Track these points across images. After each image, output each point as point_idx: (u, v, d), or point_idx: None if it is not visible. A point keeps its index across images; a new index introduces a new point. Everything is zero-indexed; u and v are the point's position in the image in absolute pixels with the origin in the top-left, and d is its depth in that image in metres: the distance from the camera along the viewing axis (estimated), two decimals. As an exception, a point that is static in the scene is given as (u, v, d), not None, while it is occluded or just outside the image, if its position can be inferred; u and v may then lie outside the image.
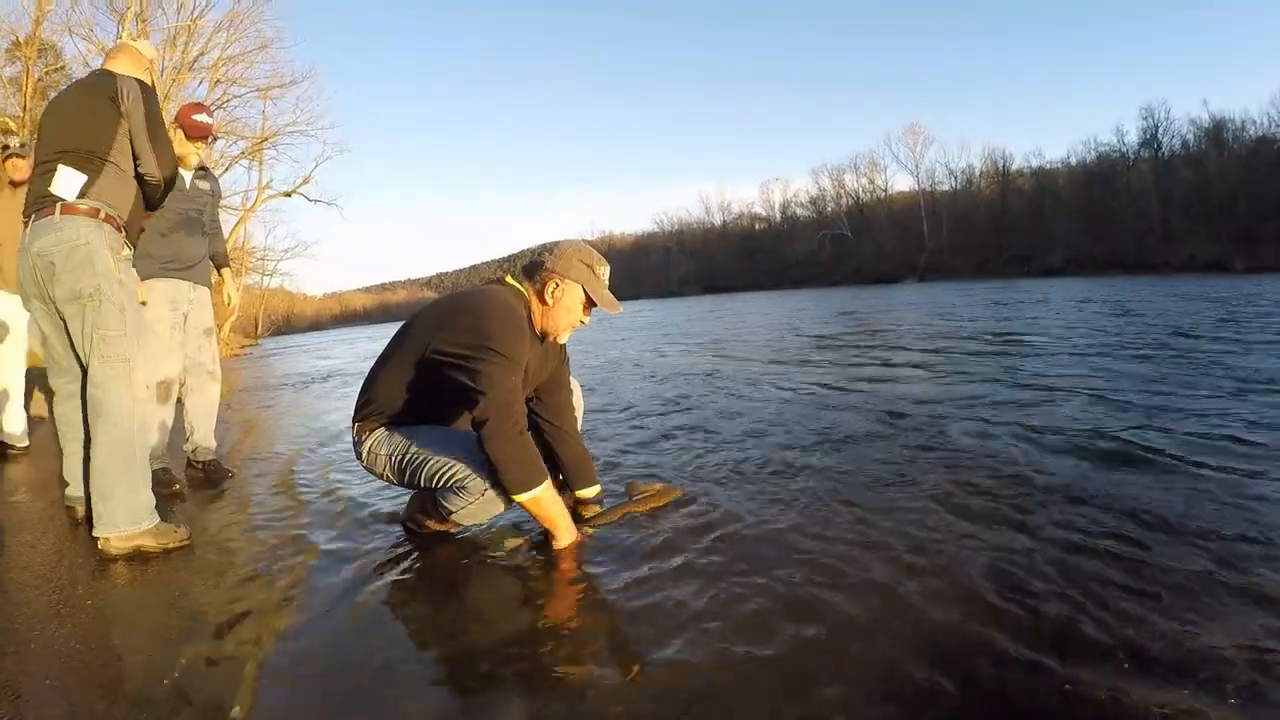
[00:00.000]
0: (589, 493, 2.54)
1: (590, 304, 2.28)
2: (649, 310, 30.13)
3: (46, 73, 19.09)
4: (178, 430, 3.55)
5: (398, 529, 2.54)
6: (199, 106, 3.56)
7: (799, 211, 79.56)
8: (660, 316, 23.08)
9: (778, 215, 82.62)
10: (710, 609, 1.79)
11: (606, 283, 2.32)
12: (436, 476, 2.19)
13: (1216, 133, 48.39)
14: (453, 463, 2.16)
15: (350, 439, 2.53)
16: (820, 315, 17.13)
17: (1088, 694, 1.37)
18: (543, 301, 2.26)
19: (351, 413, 2.48)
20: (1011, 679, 1.43)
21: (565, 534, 2.18)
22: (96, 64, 18.89)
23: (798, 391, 5.33)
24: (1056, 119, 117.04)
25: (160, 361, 3.16)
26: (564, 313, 2.27)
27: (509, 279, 2.35)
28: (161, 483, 3.11)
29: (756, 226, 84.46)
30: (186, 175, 3.49)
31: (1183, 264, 40.60)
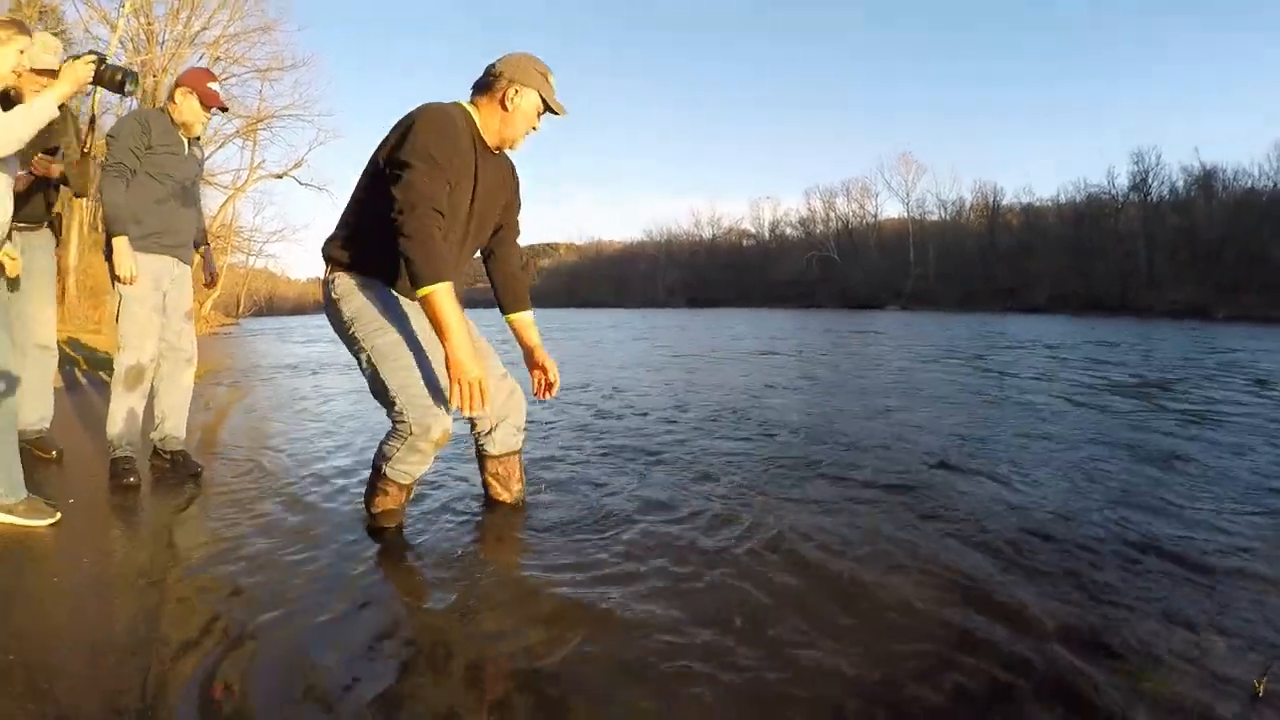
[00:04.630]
0: (521, 316, 2.68)
1: (545, 110, 2.36)
2: (638, 320, 29.53)
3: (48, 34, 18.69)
4: (146, 418, 3.35)
5: (355, 546, 2.32)
6: (211, 74, 3.38)
7: (788, 231, 79.56)
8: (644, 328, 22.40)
9: (767, 233, 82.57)
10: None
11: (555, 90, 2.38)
12: (387, 389, 2.22)
13: (1207, 181, 48.63)
14: (404, 380, 2.21)
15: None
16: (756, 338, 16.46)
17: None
18: (504, 107, 2.30)
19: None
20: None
21: (457, 347, 2.05)
22: (96, 30, 16.60)
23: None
24: (1048, 157, 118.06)
25: (134, 344, 3.13)
26: (522, 119, 2.32)
27: (459, 101, 2.36)
28: (119, 473, 3.07)
29: (745, 243, 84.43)
30: (185, 142, 3.31)
31: (1166, 308, 40.61)
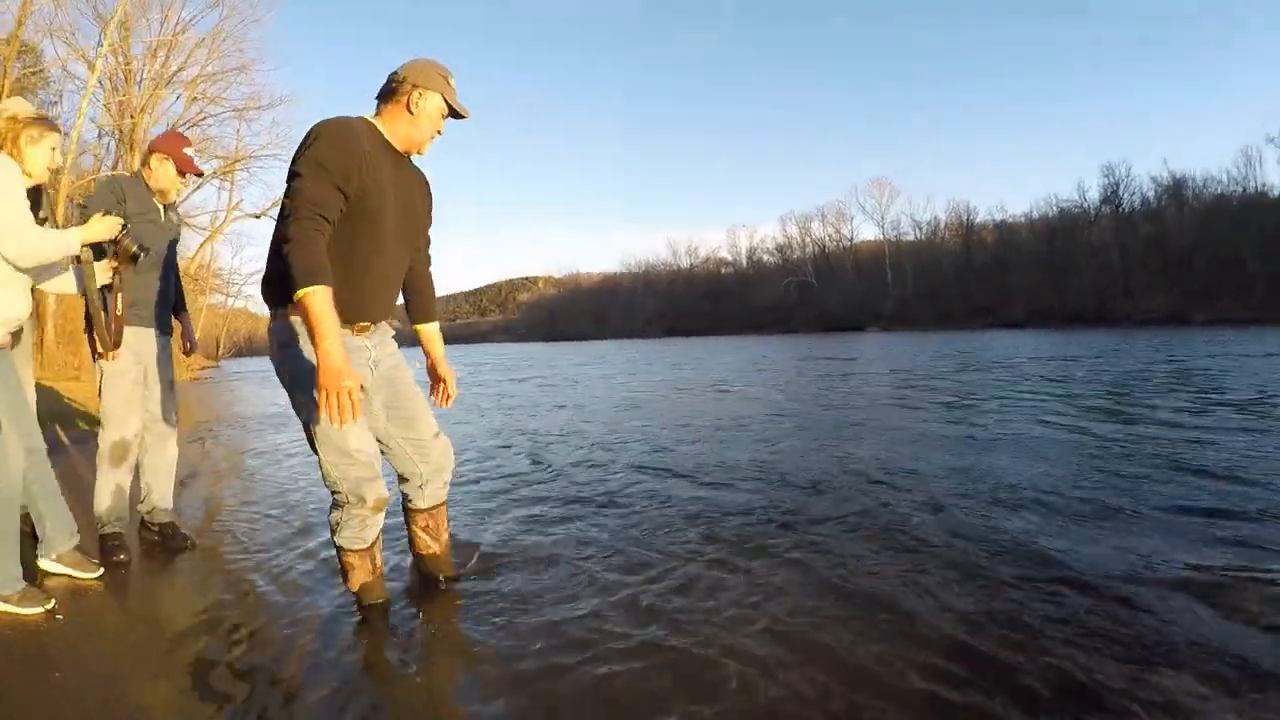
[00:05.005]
0: (428, 327, 2.70)
1: (449, 113, 2.38)
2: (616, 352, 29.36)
3: (25, 74, 18.45)
4: (132, 489, 3.29)
5: (340, 626, 2.32)
6: (185, 139, 3.37)
7: (765, 258, 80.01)
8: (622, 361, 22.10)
9: (744, 261, 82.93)
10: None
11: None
12: (320, 461, 2.20)
13: (1177, 190, 49.27)
14: (338, 450, 2.17)
15: None
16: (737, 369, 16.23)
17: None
18: (409, 111, 2.31)
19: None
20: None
21: (329, 353, 1.94)
22: (75, 69, 15.81)
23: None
24: (1019, 174, 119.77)
25: (118, 419, 3.12)
26: (427, 121, 2.34)
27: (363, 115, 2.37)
28: (108, 550, 3.05)
29: (723, 271, 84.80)
30: (161, 208, 3.29)
31: (1142, 317, 40.66)
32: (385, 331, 2.42)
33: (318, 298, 1.97)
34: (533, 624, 2.25)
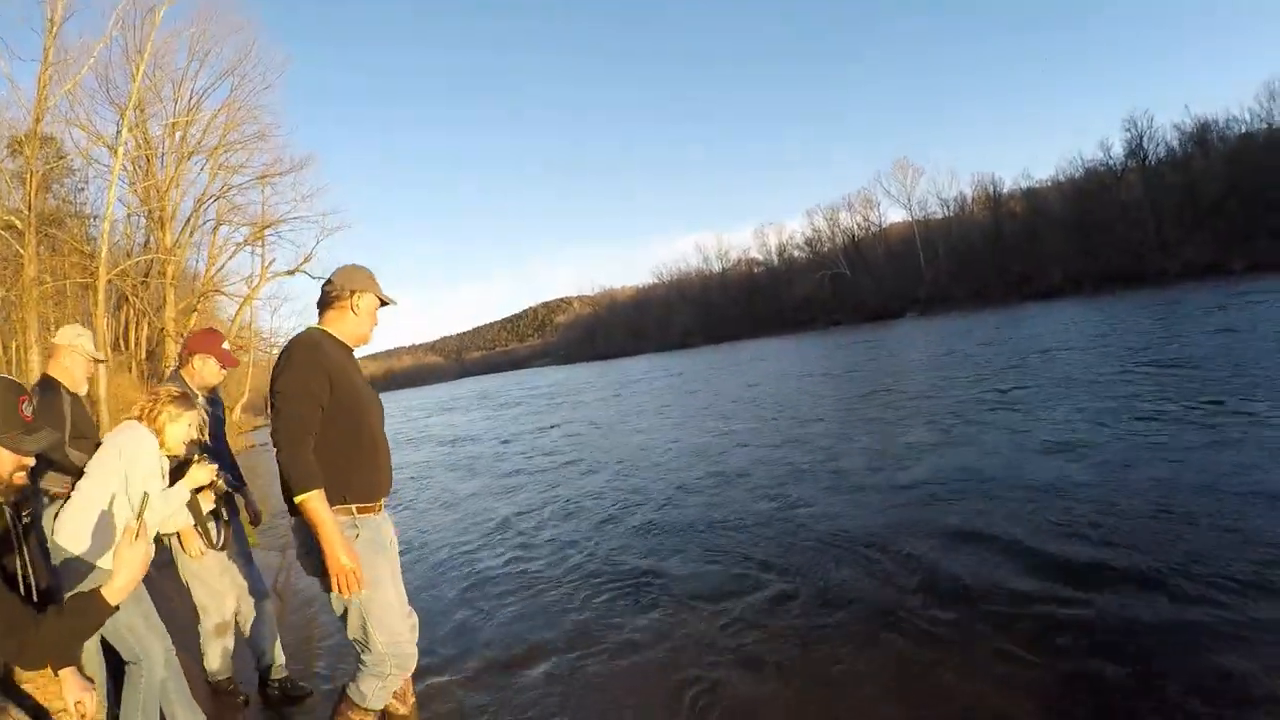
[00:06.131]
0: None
1: (381, 304, 2.75)
2: (650, 368, 29.76)
3: (49, 167, 19.13)
4: (241, 649, 3.64)
5: None
6: (220, 334, 3.66)
7: (796, 253, 79.77)
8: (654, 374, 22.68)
9: (775, 258, 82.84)
10: None
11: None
12: (369, 636, 2.43)
13: (1201, 135, 48.09)
14: (390, 626, 2.45)
15: None
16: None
17: None
18: (353, 313, 2.66)
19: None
20: None
21: (334, 544, 2.28)
22: (97, 154, 17.99)
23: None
24: (1042, 138, 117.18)
25: (214, 607, 3.39)
26: (367, 317, 2.70)
27: (310, 325, 2.70)
28: (227, 692, 3.45)
29: (755, 271, 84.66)
30: (201, 398, 3.37)
31: (1180, 271, 39.99)
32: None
33: (316, 500, 2.29)
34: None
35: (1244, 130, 46.05)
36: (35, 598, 1.89)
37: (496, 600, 4.52)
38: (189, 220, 25.47)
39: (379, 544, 2.52)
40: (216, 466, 3.04)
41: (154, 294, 24.72)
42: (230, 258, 27.78)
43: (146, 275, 24.31)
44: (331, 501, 2.39)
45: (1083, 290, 43.62)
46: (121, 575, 1.68)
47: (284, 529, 4.03)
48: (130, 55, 20.52)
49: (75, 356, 3.21)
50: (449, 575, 5.30)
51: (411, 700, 2.99)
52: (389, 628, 2.43)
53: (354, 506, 2.47)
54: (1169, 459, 5.27)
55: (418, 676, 3.31)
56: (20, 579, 1.89)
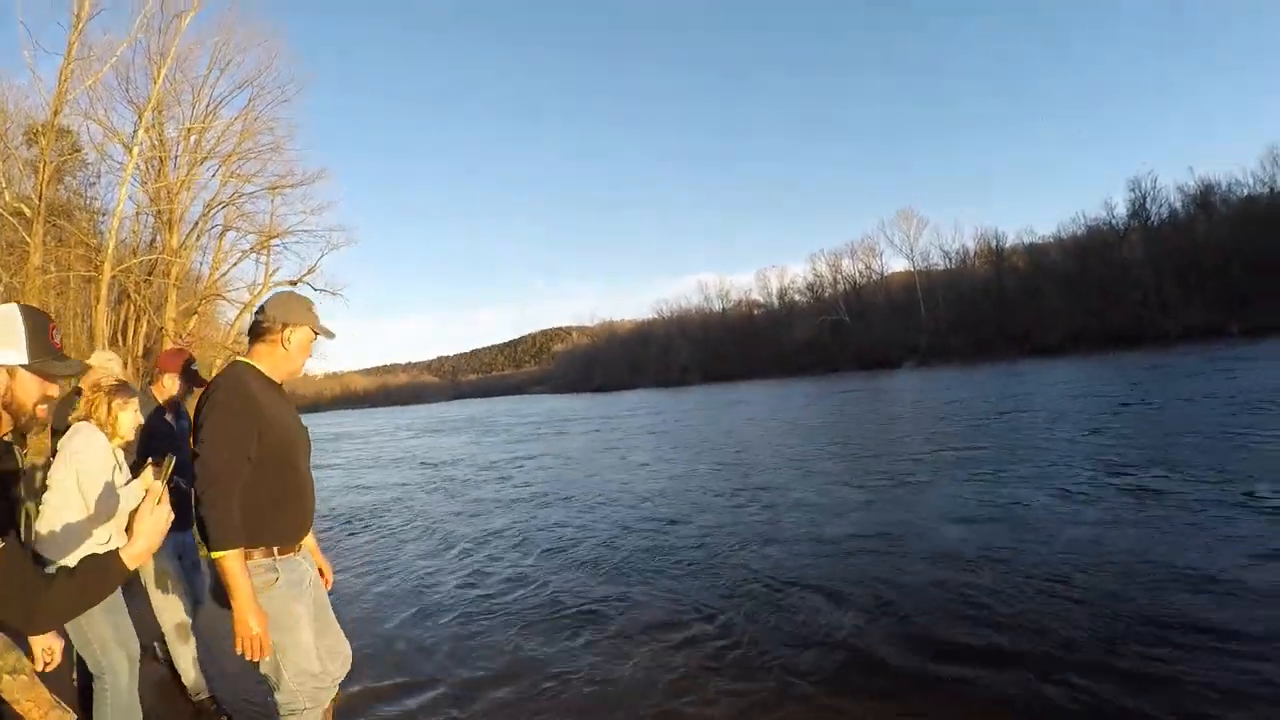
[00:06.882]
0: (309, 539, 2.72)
1: (315, 336, 2.59)
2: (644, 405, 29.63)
3: (63, 159, 19.23)
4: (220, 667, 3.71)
5: None
6: (189, 354, 3.78)
7: (797, 298, 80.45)
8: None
9: (775, 301, 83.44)
10: None
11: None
12: (283, 679, 2.38)
13: (1204, 197, 48.80)
14: (300, 668, 2.39)
15: None
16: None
17: None
18: (284, 348, 2.51)
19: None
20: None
21: (244, 608, 2.23)
22: (111, 151, 17.27)
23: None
24: (1046, 196, 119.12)
25: (170, 608, 3.43)
26: (300, 353, 2.55)
27: (237, 358, 2.56)
28: (208, 713, 3.44)
29: (755, 313, 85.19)
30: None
31: (1180, 333, 40.25)
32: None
33: (233, 560, 2.22)
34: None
35: (1247, 193, 46.85)
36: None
37: (442, 629, 4.67)
38: (197, 224, 25.38)
39: (298, 585, 2.47)
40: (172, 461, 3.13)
41: (156, 293, 24.59)
42: (235, 264, 27.76)
43: (150, 274, 24.21)
44: (253, 543, 2.37)
45: (1080, 349, 43.82)
46: (140, 541, 1.66)
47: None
48: (153, 58, 20.57)
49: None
50: (402, 603, 5.36)
51: None
52: (300, 668, 2.41)
53: (275, 549, 2.42)
54: (1060, 535, 5.52)
55: (354, 711, 3.48)
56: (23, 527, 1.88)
